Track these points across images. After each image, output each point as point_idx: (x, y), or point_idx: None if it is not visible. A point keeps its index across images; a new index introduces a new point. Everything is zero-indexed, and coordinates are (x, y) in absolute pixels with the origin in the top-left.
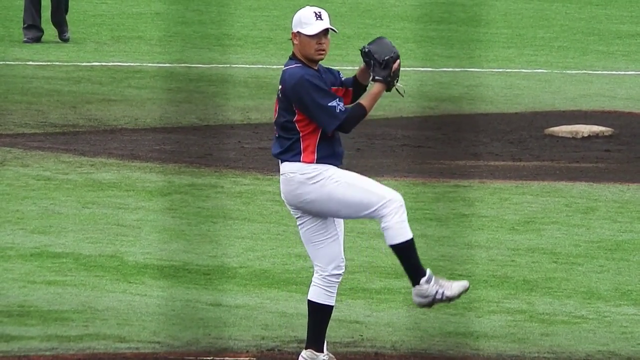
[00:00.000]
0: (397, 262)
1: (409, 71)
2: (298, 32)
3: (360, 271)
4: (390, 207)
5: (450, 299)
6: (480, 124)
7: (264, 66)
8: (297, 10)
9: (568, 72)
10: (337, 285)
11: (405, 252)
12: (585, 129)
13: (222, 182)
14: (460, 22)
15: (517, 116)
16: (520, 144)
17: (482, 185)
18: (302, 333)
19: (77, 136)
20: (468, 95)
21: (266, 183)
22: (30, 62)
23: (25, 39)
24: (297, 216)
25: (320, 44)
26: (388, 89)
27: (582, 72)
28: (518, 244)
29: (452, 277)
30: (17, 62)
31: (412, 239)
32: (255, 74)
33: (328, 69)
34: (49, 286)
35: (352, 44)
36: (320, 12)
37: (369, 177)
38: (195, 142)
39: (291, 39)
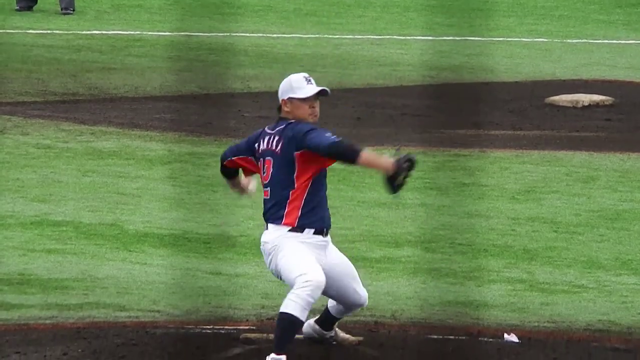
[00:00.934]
0: (398, 230)
1: (410, 40)
2: (289, 98)
3: (360, 240)
4: (302, 280)
5: None
6: (481, 93)
7: (264, 35)
8: (284, 79)
9: (569, 41)
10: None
11: (279, 323)
12: (585, 98)
13: (222, 150)
14: None
15: (518, 85)
16: (520, 113)
17: (482, 154)
18: None
19: (77, 104)
20: (468, 64)
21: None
22: (31, 31)
23: (17, 7)
24: None
25: (313, 107)
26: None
27: (582, 41)
28: (518, 213)
29: (453, 246)
30: (17, 31)
31: (293, 317)
32: (255, 43)
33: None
34: (49, 254)
35: (352, 12)
36: (309, 77)
37: (368, 148)
38: (195, 110)
39: (279, 107)
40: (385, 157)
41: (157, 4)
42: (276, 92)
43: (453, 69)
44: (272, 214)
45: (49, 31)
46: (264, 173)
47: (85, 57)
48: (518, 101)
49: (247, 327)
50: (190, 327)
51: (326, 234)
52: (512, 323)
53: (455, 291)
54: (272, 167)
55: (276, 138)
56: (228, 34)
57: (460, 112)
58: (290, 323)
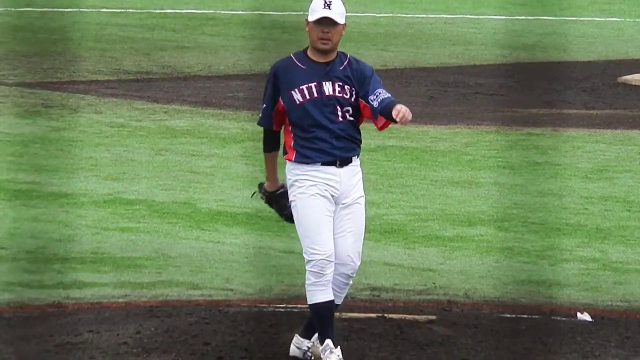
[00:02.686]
0: (471, 209)
1: (483, 19)
2: (306, 19)
3: (433, 219)
4: (307, 266)
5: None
6: (553, 72)
7: None
8: None
9: None
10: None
11: (312, 312)
12: None
13: None
14: None
15: (590, 64)
16: (593, 92)
17: (555, 133)
18: (375, 280)
19: (150, 83)
20: (541, 43)
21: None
22: (104, 9)
23: None
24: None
25: (324, 32)
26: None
27: None
28: (591, 192)
29: (526, 225)
30: (90, 9)
31: (317, 304)
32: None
33: (362, 71)
34: (122, 233)
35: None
36: (330, 2)
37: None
38: None
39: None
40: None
41: None
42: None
43: (526, 48)
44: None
45: (122, 10)
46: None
47: (159, 36)
48: (591, 80)
49: None
50: (263, 305)
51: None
52: (585, 302)
53: (528, 270)
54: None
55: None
56: (301, 12)
57: (533, 91)
58: (318, 311)
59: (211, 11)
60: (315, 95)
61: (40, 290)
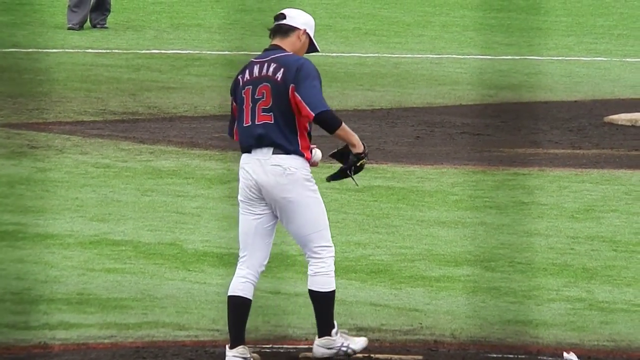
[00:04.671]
0: (457, 249)
1: (469, 59)
2: (307, 32)
3: (419, 259)
4: (330, 253)
5: (354, 352)
6: (540, 111)
7: (324, 54)
8: (305, 12)
9: (628, 60)
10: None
11: (327, 301)
12: None
13: None
14: (520, 10)
15: (577, 104)
16: (579, 132)
17: (541, 173)
18: (362, 321)
19: (136, 124)
20: (527, 83)
21: (325, 171)
22: (90, 50)
23: (69, 25)
24: (254, 206)
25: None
26: (343, 175)
27: None
28: (577, 232)
29: (512, 265)
30: (76, 50)
31: (334, 291)
32: (314, 62)
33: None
34: (108, 274)
35: (412, 31)
36: None
37: (426, 167)
38: None
39: (282, 30)
40: (352, 140)
41: (217, 23)
42: (336, 112)
43: (512, 87)
44: (282, 140)
45: (108, 50)
46: (261, 99)
47: (145, 77)
48: (577, 120)
49: (306, 346)
50: (249, 346)
51: None
52: (571, 342)
53: (514, 310)
54: (272, 94)
55: (273, 65)
56: None
57: (519, 131)
58: (333, 298)
59: (197, 51)
60: None
61: (26, 331)
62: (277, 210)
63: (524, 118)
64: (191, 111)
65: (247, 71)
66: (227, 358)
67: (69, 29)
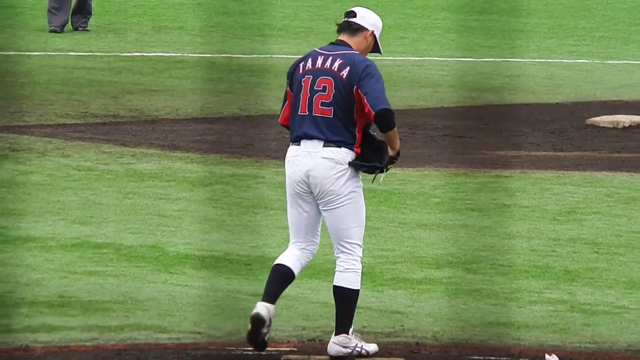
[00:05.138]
0: (439, 252)
1: (450, 61)
2: (374, 34)
3: (401, 261)
4: (361, 253)
5: (368, 354)
6: (522, 114)
7: None
8: (372, 12)
9: (609, 62)
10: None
11: (351, 299)
12: (626, 119)
13: (263, 172)
14: (501, 12)
15: (558, 106)
16: (561, 134)
17: (523, 175)
18: None
19: (118, 126)
20: (509, 85)
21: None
22: (72, 53)
23: (51, 28)
24: (302, 201)
25: None
26: (371, 172)
27: (623, 62)
28: (559, 234)
29: (494, 267)
30: (57, 53)
31: (359, 291)
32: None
33: None
34: (89, 277)
35: (393, 33)
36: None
37: (407, 169)
38: (236, 132)
39: (349, 28)
40: (393, 142)
41: (199, 26)
42: None
43: (494, 90)
44: (336, 134)
45: (90, 53)
46: (320, 91)
47: (126, 79)
48: (559, 122)
49: (288, 349)
50: (231, 348)
51: None
52: (553, 344)
53: (496, 312)
54: (334, 89)
55: (339, 61)
56: (269, 55)
57: (501, 133)
58: (357, 295)
59: (179, 54)
60: None
61: (8, 334)
62: (321, 202)
63: (505, 120)
64: (173, 114)
65: (309, 59)
66: (255, 306)
67: (51, 31)
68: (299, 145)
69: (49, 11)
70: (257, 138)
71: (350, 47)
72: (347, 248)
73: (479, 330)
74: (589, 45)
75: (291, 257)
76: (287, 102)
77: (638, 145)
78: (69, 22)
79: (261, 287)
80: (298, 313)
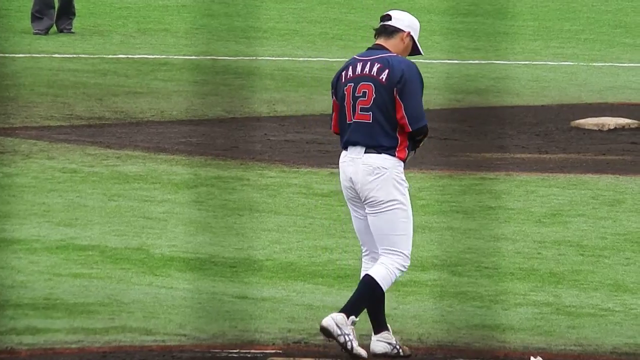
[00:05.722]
0: (424, 254)
1: (436, 64)
2: (411, 35)
3: None
4: (404, 261)
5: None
6: (507, 116)
7: (290, 58)
8: (408, 13)
9: (594, 64)
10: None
11: (370, 289)
12: (611, 122)
13: (249, 174)
14: (486, 15)
15: (544, 109)
16: (546, 136)
17: (508, 177)
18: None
19: (103, 129)
20: (494, 88)
21: (292, 175)
22: (56, 55)
23: (35, 31)
24: (357, 206)
25: None
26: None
27: (608, 64)
28: (544, 237)
29: (479, 269)
30: (42, 55)
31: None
32: (281, 66)
33: None
34: (74, 279)
35: None
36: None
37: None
38: (221, 134)
39: (385, 31)
40: None
41: (183, 28)
42: (302, 116)
43: (479, 92)
44: (377, 140)
45: (74, 55)
46: (361, 97)
47: (111, 81)
48: (544, 124)
49: (273, 351)
50: (216, 350)
51: None
52: (538, 346)
53: (481, 314)
54: (375, 93)
55: (377, 65)
56: (254, 57)
57: (486, 135)
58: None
59: (164, 56)
60: None
61: None
62: (366, 207)
63: (490, 123)
64: (158, 116)
65: (349, 68)
66: (371, 342)
67: (35, 34)
68: (347, 151)
69: (34, 16)
70: (242, 140)
71: (387, 50)
72: (391, 251)
73: (465, 333)
74: (574, 47)
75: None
76: (334, 110)
77: (623, 147)
78: (54, 26)
79: (246, 289)
80: (283, 315)
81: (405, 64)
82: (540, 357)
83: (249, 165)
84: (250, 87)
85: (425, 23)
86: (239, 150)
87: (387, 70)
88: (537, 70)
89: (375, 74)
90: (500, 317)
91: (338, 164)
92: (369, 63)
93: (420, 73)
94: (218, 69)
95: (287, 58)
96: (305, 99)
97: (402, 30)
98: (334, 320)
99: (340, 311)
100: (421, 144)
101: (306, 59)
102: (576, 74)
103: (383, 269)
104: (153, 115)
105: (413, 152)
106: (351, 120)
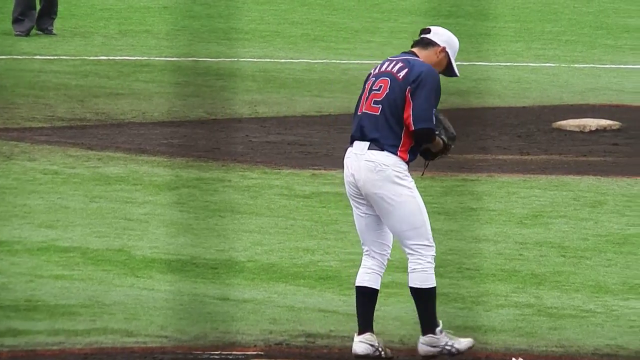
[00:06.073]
0: (405, 256)
1: None
2: (447, 51)
3: None
4: (429, 251)
5: (459, 352)
6: (488, 117)
7: (272, 60)
8: (448, 31)
9: (576, 66)
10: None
11: (427, 298)
12: (593, 123)
13: (230, 176)
14: (468, 16)
15: (525, 110)
16: (528, 137)
17: (490, 178)
18: (310, 327)
19: (84, 130)
20: (476, 89)
21: (274, 177)
22: (38, 56)
23: (16, 33)
24: (359, 204)
25: None
26: (434, 156)
27: (590, 66)
28: (526, 238)
29: (461, 271)
30: (24, 57)
31: (435, 288)
32: (262, 68)
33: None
34: (56, 280)
35: (360, 37)
36: None
37: None
38: (202, 135)
39: (424, 41)
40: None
41: (165, 30)
42: (284, 118)
43: (460, 93)
44: (381, 135)
45: (56, 57)
46: (376, 90)
47: (93, 83)
48: (525, 126)
49: (254, 353)
50: (198, 352)
51: None
52: (520, 348)
53: (463, 316)
54: (389, 88)
55: (399, 64)
56: (235, 59)
57: (468, 137)
58: (434, 294)
59: (145, 58)
60: None
61: None
62: (373, 205)
63: (472, 124)
64: (139, 117)
65: (377, 67)
66: (354, 343)
67: (16, 36)
68: (352, 146)
69: (15, 18)
70: (223, 142)
71: (418, 57)
72: (412, 249)
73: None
74: (556, 49)
75: (367, 274)
76: None
77: (604, 148)
78: (34, 28)
79: (227, 290)
80: (265, 317)
81: (426, 68)
82: (522, 358)
83: (230, 166)
84: (231, 89)
85: (407, 25)
86: (221, 151)
87: (406, 70)
88: (519, 72)
89: (395, 71)
90: (482, 318)
91: (320, 165)
92: (394, 62)
93: (439, 81)
94: (199, 70)
95: (268, 59)
96: (287, 100)
97: (438, 45)
98: (426, 343)
99: (423, 334)
100: (435, 157)
101: (287, 60)
102: (558, 75)
103: (418, 274)
104: (134, 117)
105: (427, 162)
106: (362, 111)
